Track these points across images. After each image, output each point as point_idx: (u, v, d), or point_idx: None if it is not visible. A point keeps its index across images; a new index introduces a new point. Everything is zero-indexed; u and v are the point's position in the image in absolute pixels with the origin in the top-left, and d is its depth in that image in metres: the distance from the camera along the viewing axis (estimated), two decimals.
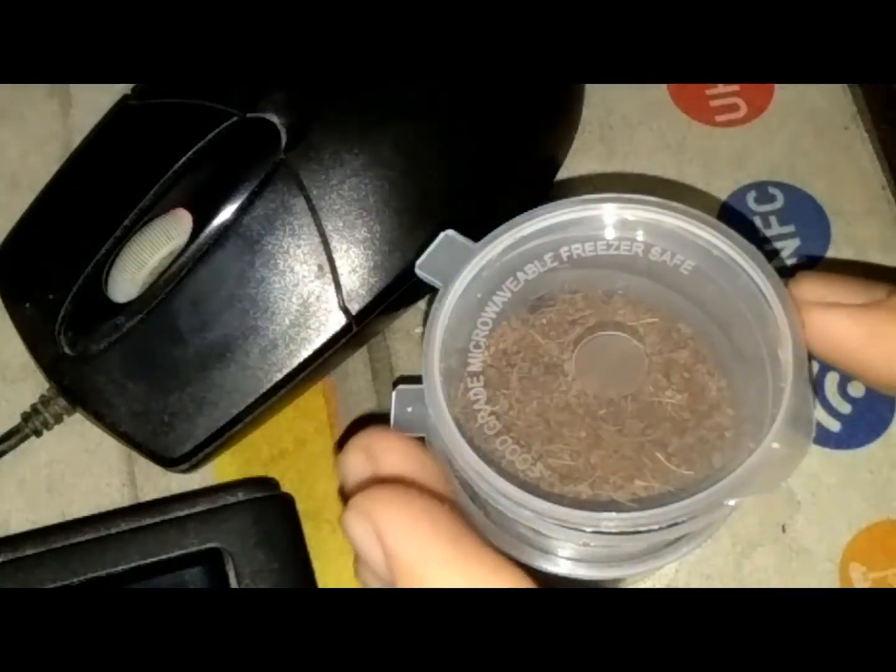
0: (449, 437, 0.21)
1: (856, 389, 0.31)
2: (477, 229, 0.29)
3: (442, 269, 0.24)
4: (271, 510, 0.28)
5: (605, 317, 0.25)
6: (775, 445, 0.21)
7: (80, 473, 0.30)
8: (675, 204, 0.24)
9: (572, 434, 0.23)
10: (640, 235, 0.24)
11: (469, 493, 0.23)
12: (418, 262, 0.24)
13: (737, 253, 0.24)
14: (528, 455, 0.23)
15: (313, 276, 0.28)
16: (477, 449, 0.22)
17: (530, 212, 0.24)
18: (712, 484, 0.21)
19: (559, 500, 0.22)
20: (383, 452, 0.21)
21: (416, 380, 0.23)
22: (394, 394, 0.23)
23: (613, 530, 0.21)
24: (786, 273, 0.33)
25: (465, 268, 0.23)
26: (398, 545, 0.19)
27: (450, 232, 0.24)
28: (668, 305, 0.25)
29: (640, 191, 0.24)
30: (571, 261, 0.25)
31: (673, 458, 0.23)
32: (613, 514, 0.21)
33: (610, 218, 0.24)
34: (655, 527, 0.21)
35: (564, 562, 0.24)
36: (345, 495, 0.21)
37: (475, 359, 0.24)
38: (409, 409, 0.23)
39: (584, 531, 0.21)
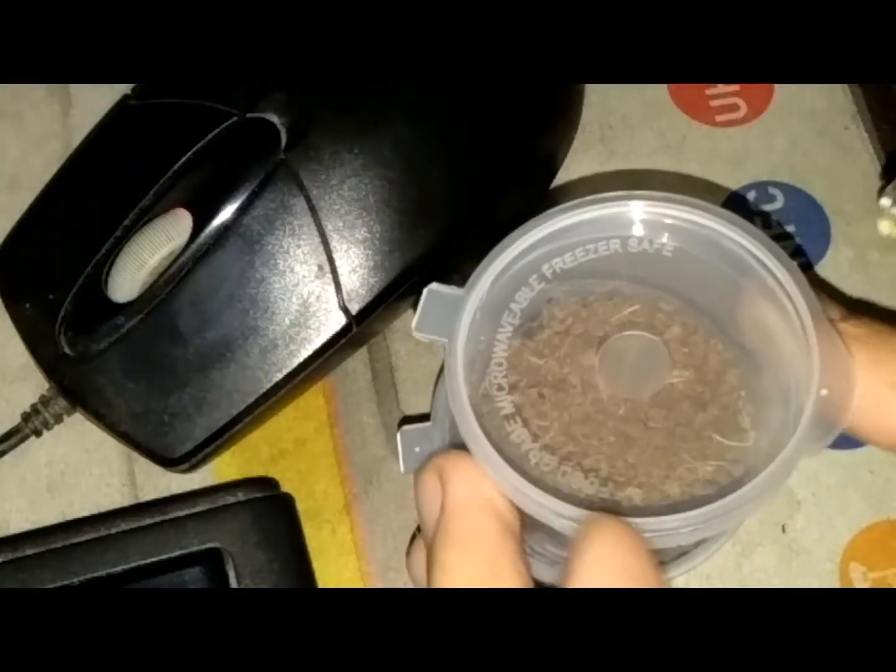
0: (520, 493, 0.21)
1: None
2: (477, 229, 0.30)
3: (438, 325, 0.24)
4: (271, 510, 0.28)
5: (589, 320, 0.25)
6: (823, 392, 0.21)
7: (80, 473, 0.30)
8: (636, 192, 0.24)
9: (602, 442, 0.23)
10: (610, 232, 0.24)
11: None
12: (414, 325, 0.24)
13: (714, 221, 0.23)
14: (594, 477, 0.22)
15: (313, 276, 0.28)
16: (543, 487, 0.22)
17: (502, 242, 0.24)
18: (767, 448, 0.21)
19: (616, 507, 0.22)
20: (454, 476, 0.21)
21: (417, 419, 0.23)
22: (399, 436, 0.23)
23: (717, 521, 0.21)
24: None
25: (460, 318, 0.23)
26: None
27: (433, 286, 0.24)
28: (645, 291, 0.25)
29: (642, 188, 0.24)
30: (556, 276, 0.25)
31: (703, 432, 0.23)
32: (726, 500, 0.21)
33: (579, 224, 0.24)
34: (748, 505, 0.21)
35: None
36: (417, 513, 0.22)
37: (504, 401, 0.23)
38: (417, 450, 0.23)
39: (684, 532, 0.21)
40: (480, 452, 0.21)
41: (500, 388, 0.24)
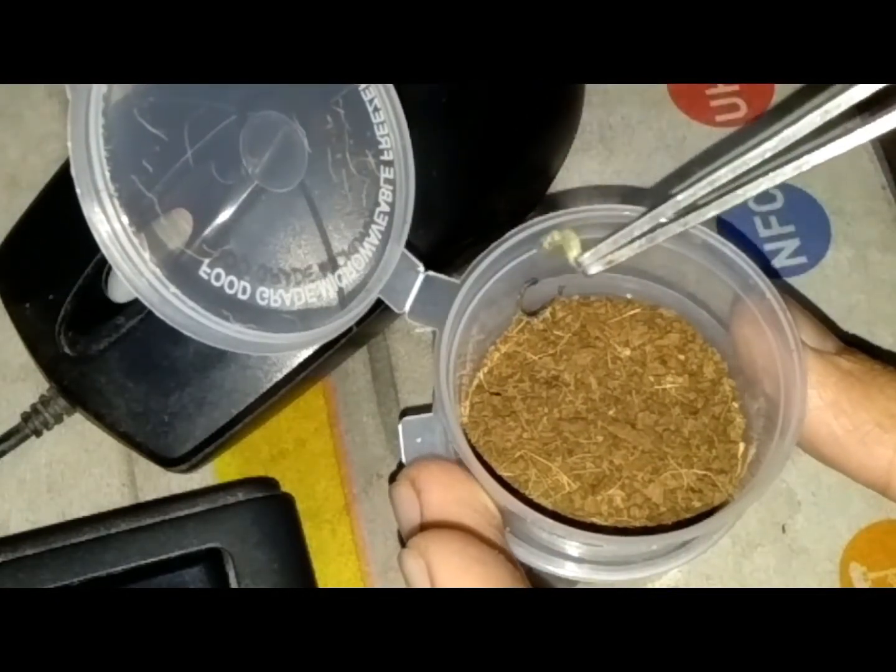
0: (483, 480, 0.21)
1: None
2: (477, 228, 0.29)
3: (431, 313, 0.24)
4: (271, 510, 0.28)
5: (588, 320, 0.25)
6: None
7: (80, 473, 0.30)
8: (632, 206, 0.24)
9: (590, 441, 0.23)
10: (601, 234, 0.24)
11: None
12: (407, 309, 0.24)
13: (715, 239, 0.24)
14: (575, 476, 0.23)
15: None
16: (523, 483, 0.22)
17: (499, 240, 0.24)
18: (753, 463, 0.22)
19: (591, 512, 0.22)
20: (427, 483, 0.21)
21: (419, 410, 0.23)
22: (400, 427, 0.23)
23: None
24: (788, 273, 0.33)
25: (452, 309, 0.23)
26: (447, 585, 0.20)
27: (429, 273, 0.25)
28: (645, 295, 0.25)
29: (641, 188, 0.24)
30: (555, 271, 0.25)
31: (692, 440, 0.23)
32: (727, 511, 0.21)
33: (577, 221, 0.24)
34: (731, 521, 0.22)
35: (585, 566, 0.23)
36: (398, 526, 0.22)
37: (495, 393, 0.24)
38: (419, 440, 0.23)
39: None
40: (460, 451, 0.22)
41: (493, 379, 0.24)
